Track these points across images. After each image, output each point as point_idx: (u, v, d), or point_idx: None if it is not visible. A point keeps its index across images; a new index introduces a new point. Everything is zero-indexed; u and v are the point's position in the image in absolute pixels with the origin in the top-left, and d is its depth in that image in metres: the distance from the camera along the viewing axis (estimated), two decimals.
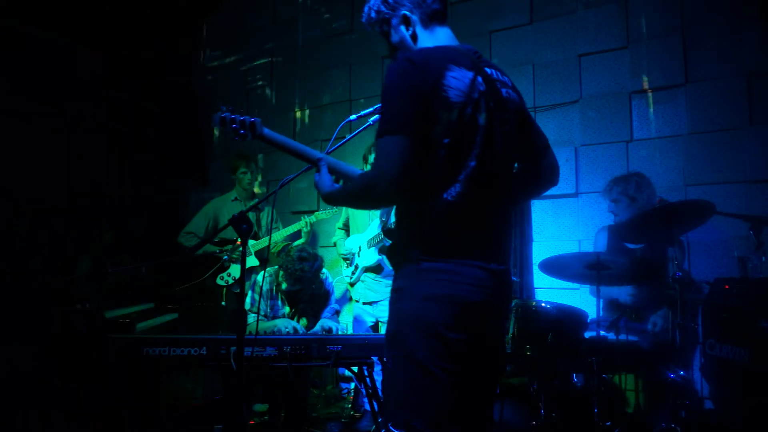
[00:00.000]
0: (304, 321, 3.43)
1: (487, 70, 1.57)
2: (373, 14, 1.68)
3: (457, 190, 1.46)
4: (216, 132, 5.76)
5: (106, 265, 3.91)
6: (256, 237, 4.24)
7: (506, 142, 1.57)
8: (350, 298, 3.81)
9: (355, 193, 1.57)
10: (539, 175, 1.76)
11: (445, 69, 1.46)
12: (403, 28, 1.64)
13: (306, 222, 4.18)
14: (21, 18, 4.46)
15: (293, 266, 3.24)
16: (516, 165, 1.71)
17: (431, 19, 1.64)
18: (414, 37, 1.64)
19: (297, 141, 1.92)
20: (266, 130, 1.88)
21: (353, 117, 2.06)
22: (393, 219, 3.41)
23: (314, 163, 1.81)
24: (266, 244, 4.16)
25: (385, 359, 1.55)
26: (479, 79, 1.51)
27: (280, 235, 4.21)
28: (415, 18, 1.63)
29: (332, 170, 1.78)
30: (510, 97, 1.61)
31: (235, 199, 4.36)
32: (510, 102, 1.61)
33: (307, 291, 3.44)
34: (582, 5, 3.99)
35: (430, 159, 1.45)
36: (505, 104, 1.58)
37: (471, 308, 1.45)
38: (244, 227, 2.04)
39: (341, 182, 1.81)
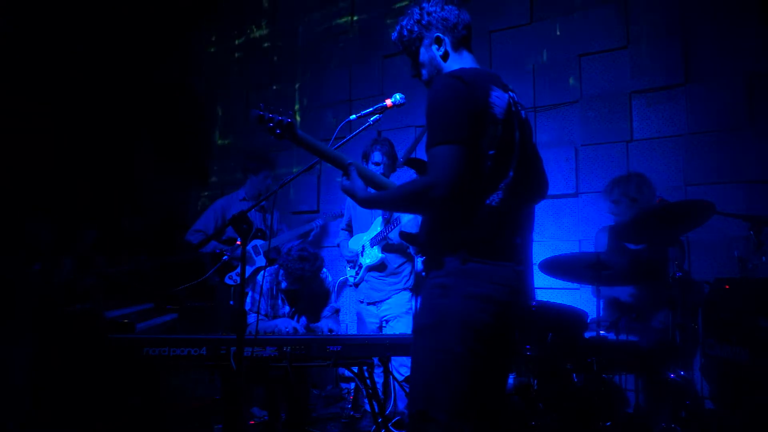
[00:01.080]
0: (304, 320, 3.44)
1: (511, 93, 1.74)
2: (405, 32, 1.83)
3: (499, 197, 1.62)
4: (217, 135, 5.77)
5: (91, 266, 3.90)
6: (264, 237, 4.24)
7: (531, 158, 1.76)
8: (361, 301, 3.80)
9: (408, 198, 1.64)
10: (541, 189, 1.91)
11: (489, 89, 1.63)
12: (434, 48, 1.80)
13: (317, 225, 4.23)
14: (20, 18, 4.46)
15: (294, 265, 3.24)
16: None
17: (460, 44, 1.81)
18: (445, 56, 1.79)
19: None
20: (300, 132, 1.92)
21: (353, 117, 2.06)
22: (402, 220, 3.40)
23: (344, 168, 1.86)
24: (275, 244, 4.18)
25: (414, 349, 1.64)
26: (511, 101, 1.70)
27: (290, 236, 4.23)
28: (446, 40, 1.79)
29: (361, 175, 1.84)
30: (527, 119, 1.80)
31: (244, 198, 4.35)
32: (527, 123, 1.79)
33: (307, 290, 3.44)
34: (582, 5, 3.99)
35: (477, 168, 1.60)
36: (525, 124, 1.76)
37: (505, 307, 1.60)
38: (244, 227, 2.04)
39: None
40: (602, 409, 2.59)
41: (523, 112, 1.78)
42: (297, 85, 5.32)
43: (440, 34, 1.78)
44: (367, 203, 1.78)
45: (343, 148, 2.04)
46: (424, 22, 1.79)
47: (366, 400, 3.42)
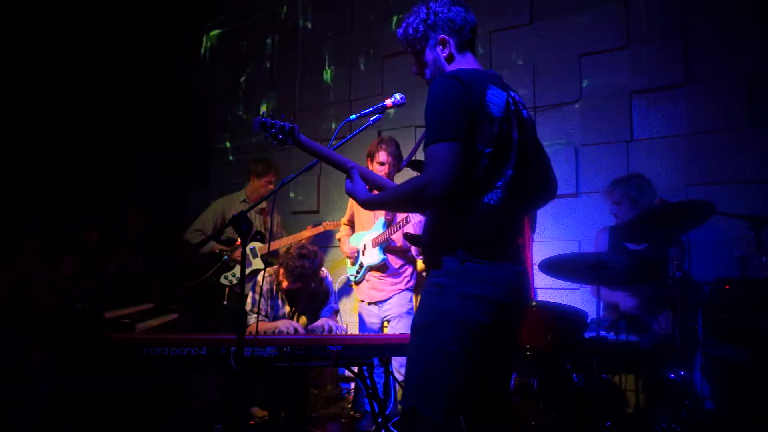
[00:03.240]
0: (303, 320, 3.43)
1: (512, 92, 1.74)
2: (410, 30, 1.81)
3: (498, 195, 1.63)
4: (228, 141, 5.76)
5: (91, 266, 3.90)
6: (263, 240, 4.23)
7: (532, 157, 1.76)
8: (362, 301, 3.80)
9: (405, 197, 1.65)
10: (547, 189, 1.93)
11: (487, 87, 1.63)
12: (439, 48, 1.79)
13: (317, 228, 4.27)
14: (20, 17, 4.46)
15: (294, 263, 3.24)
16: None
17: (465, 47, 1.81)
18: (449, 58, 1.79)
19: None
20: (303, 137, 1.93)
21: (353, 117, 2.06)
22: (411, 220, 3.40)
23: (347, 171, 1.87)
24: (274, 248, 4.18)
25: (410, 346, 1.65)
26: (510, 99, 1.70)
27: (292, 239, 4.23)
28: (452, 42, 1.78)
29: (363, 177, 1.85)
30: (529, 118, 1.79)
31: (244, 200, 4.35)
32: (529, 122, 1.79)
33: (307, 290, 3.44)
34: (582, 5, 3.99)
35: (474, 166, 1.60)
36: (526, 123, 1.76)
37: (502, 307, 1.60)
38: (244, 227, 2.04)
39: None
40: (602, 409, 2.60)
41: (525, 111, 1.77)
42: (297, 85, 5.32)
43: (446, 36, 1.78)
44: (367, 205, 1.80)
45: (343, 147, 2.04)
46: (430, 22, 1.78)
47: (366, 400, 3.42)
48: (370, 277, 3.69)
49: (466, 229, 1.62)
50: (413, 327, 1.67)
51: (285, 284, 3.34)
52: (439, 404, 1.55)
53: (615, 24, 3.86)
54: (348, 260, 3.89)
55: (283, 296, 3.46)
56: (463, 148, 1.55)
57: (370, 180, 1.89)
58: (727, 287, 2.72)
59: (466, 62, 1.79)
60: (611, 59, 3.87)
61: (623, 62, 3.82)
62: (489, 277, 1.60)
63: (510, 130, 1.67)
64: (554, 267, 2.94)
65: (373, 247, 3.63)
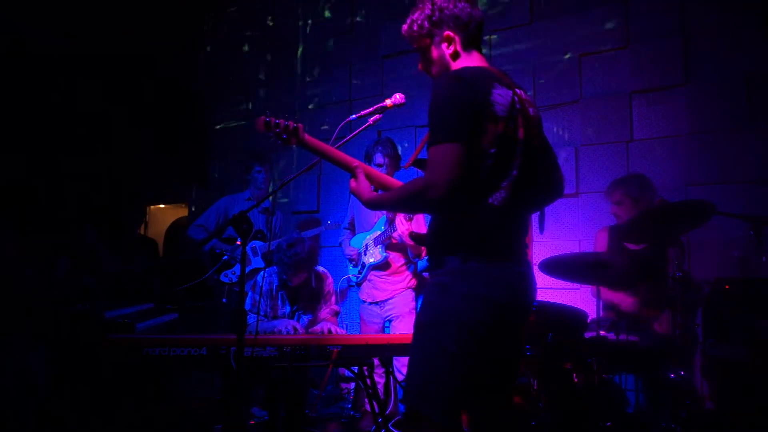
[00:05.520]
0: (304, 320, 3.43)
1: (518, 90, 1.70)
2: (415, 27, 1.77)
3: (502, 196, 1.60)
4: (218, 136, 5.76)
5: (90, 265, 3.90)
6: (264, 240, 4.24)
7: (539, 156, 1.72)
8: (363, 301, 3.79)
9: (408, 197, 1.64)
10: (552, 187, 1.86)
11: (491, 86, 1.60)
12: (444, 45, 1.75)
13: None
14: (19, 17, 4.46)
15: (288, 254, 3.25)
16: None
17: (470, 44, 1.76)
18: (454, 55, 1.75)
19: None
20: (307, 136, 1.93)
21: (353, 117, 2.06)
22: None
23: (352, 171, 1.87)
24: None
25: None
26: (515, 98, 1.65)
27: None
28: (457, 39, 1.74)
29: (368, 177, 1.85)
30: (536, 115, 1.75)
31: (249, 198, 4.36)
32: (536, 119, 1.74)
33: (309, 284, 3.44)
34: (582, 5, 3.99)
35: (478, 167, 1.57)
36: (533, 121, 1.71)
37: (503, 308, 1.59)
38: (244, 227, 2.04)
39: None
40: (602, 409, 2.59)
41: (531, 109, 1.73)
42: (297, 85, 5.31)
43: (451, 33, 1.74)
44: (371, 205, 1.79)
45: (343, 148, 2.04)
46: (435, 18, 1.74)
47: (366, 400, 3.42)
48: (372, 277, 3.69)
49: (469, 228, 1.61)
50: (415, 326, 1.66)
51: (293, 282, 3.34)
52: (440, 404, 1.54)
53: (615, 24, 3.87)
54: (350, 263, 3.89)
55: (283, 296, 3.46)
56: (466, 148, 1.53)
57: (375, 179, 1.88)
58: (727, 287, 2.72)
59: (471, 60, 1.76)
60: (611, 59, 3.87)
61: (623, 62, 3.82)
62: (492, 278, 1.58)
63: (515, 130, 1.64)
64: (554, 267, 2.93)
65: (375, 245, 3.63)
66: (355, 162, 1.88)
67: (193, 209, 5.66)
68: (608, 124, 3.84)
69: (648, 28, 3.77)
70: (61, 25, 4.64)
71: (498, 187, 1.60)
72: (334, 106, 5.05)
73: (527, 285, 1.68)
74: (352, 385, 3.99)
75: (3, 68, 4.37)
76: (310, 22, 5.32)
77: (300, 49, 5.34)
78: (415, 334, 1.65)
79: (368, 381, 2.74)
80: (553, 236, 3.95)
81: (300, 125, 1.93)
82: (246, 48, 5.69)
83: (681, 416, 2.56)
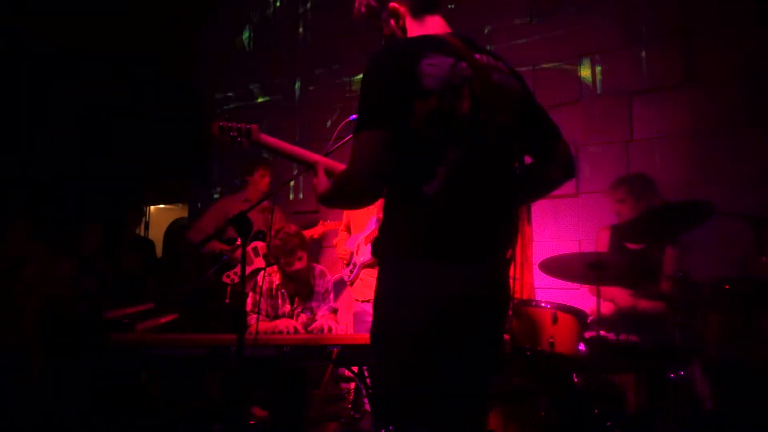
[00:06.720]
0: (303, 320, 3.44)
1: (478, 56, 1.46)
2: (363, 9, 1.61)
3: (438, 185, 1.36)
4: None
5: (91, 266, 3.91)
6: (265, 239, 4.24)
7: (501, 133, 1.44)
8: (357, 299, 3.80)
9: (335, 192, 1.52)
10: (554, 167, 1.63)
11: (421, 57, 1.37)
12: (392, 21, 1.56)
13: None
14: (19, 17, 4.47)
15: (282, 242, 3.25)
16: (526, 157, 1.62)
17: (421, 10, 1.55)
18: (403, 29, 1.56)
19: (296, 142, 1.93)
20: (263, 136, 1.87)
21: (353, 117, 2.06)
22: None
23: (312, 166, 1.80)
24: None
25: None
26: (462, 64, 1.40)
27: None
28: (404, 9, 1.55)
29: (329, 173, 1.75)
30: (504, 83, 1.49)
31: (246, 200, 4.35)
32: (505, 88, 1.49)
33: (306, 288, 3.44)
34: (582, 5, 3.99)
35: (408, 152, 1.37)
36: (497, 91, 1.45)
37: (454, 309, 1.37)
38: (244, 227, 2.04)
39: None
40: (602, 409, 2.59)
41: (496, 75, 1.47)
42: (297, 84, 5.31)
43: (395, 4, 1.54)
44: (320, 201, 1.63)
45: (343, 148, 2.04)
46: None
47: (366, 400, 3.42)
48: (364, 276, 3.70)
49: (404, 224, 1.41)
50: (371, 339, 1.47)
51: (294, 267, 3.33)
52: (404, 418, 1.37)
53: (615, 24, 3.86)
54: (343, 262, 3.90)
55: (283, 295, 3.46)
56: (386, 134, 1.34)
57: (336, 173, 1.74)
58: (727, 287, 2.71)
59: (424, 28, 1.53)
60: (611, 59, 3.87)
61: (623, 62, 3.82)
62: (433, 277, 1.35)
63: (455, 103, 1.37)
64: (554, 267, 2.93)
65: (365, 244, 3.64)
66: (315, 157, 1.80)
67: (193, 209, 5.66)
68: (608, 124, 3.84)
69: (648, 28, 3.77)
70: (61, 25, 4.64)
71: (434, 174, 1.36)
72: (333, 105, 5.04)
73: (485, 282, 1.42)
74: (352, 385, 3.99)
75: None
76: (310, 21, 5.32)
77: (300, 49, 5.34)
78: (370, 348, 1.46)
79: (368, 381, 2.74)
80: (553, 236, 3.95)
81: (253, 126, 1.88)
82: (246, 47, 5.69)
83: (681, 416, 2.56)
